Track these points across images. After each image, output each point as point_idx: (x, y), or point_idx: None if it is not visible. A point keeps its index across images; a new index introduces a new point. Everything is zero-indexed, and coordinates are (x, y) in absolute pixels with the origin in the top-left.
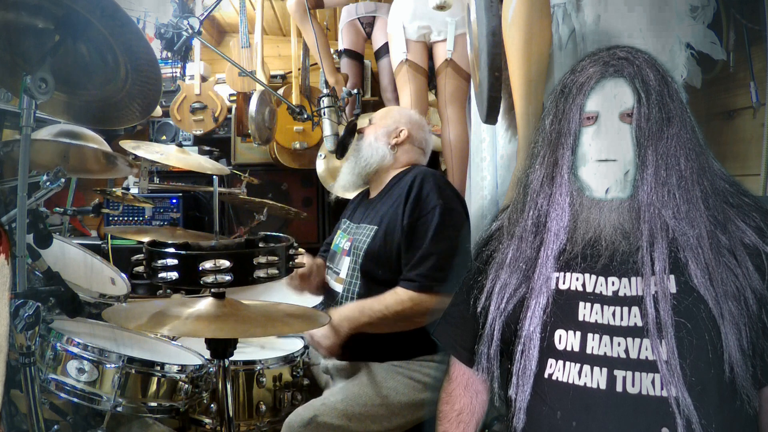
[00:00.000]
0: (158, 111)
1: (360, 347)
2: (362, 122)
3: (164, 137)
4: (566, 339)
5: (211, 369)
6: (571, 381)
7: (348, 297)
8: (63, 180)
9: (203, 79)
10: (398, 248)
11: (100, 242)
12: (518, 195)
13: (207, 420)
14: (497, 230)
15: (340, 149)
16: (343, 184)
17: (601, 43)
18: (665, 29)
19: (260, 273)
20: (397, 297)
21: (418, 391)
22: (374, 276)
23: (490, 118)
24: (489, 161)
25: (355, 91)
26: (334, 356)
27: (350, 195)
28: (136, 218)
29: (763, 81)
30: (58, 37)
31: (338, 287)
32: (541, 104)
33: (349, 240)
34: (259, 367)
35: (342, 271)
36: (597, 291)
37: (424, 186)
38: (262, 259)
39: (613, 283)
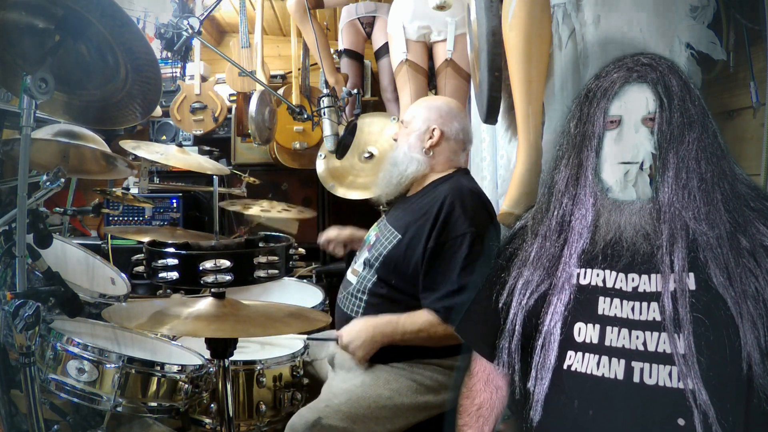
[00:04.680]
0: (158, 111)
1: None
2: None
3: (164, 137)
4: (585, 331)
5: (211, 369)
6: (589, 371)
7: (359, 290)
8: (63, 180)
9: (203, 79)
10: (416, 264)
11: (100, 242)
12: (542, 195)
13: (207, 420)
14: (520, 229)
15: (340, 149)
16: (380, 193)
17: (601, 44)
18: (665, 29)
19: (260, 273)
20: (431, 321)
21: (420, 393)
22: (387, 280)
23: (490, 118)
24: (489, 161)
25: (355, 91)
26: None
27: (352, 195)
28: (136, 218)
29: (763, 81)
30: (58, 37)
31: (353, 279)
32: (541, 104)
33: (376, 235)
34: (259, 367)
35: (358, 264)
36: (617, 287)
37: (455, 209)
38: (263, 259)
39: (633, 280)
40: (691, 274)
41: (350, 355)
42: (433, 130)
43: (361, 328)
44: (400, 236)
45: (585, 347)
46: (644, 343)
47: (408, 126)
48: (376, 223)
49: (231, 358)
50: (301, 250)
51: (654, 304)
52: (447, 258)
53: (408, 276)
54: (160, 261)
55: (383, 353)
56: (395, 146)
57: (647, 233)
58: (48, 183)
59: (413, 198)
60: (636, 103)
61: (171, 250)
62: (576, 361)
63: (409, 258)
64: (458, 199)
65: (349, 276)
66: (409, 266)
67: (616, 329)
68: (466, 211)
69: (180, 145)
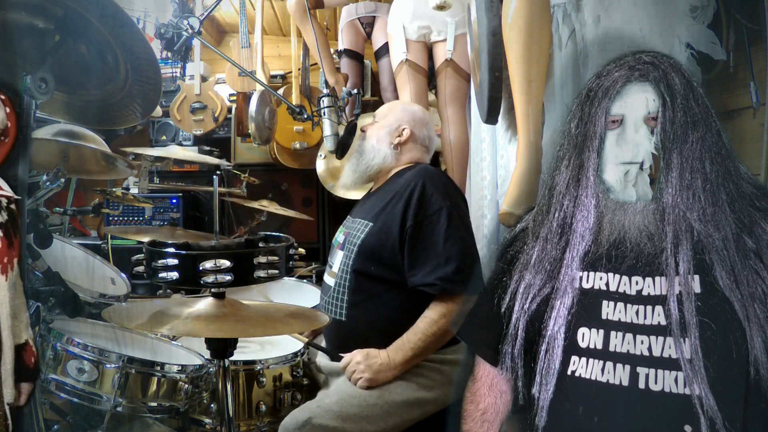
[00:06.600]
0: (158, 111)
1: (354, 348)
2: (365, 120)
3: (164, 137)
4: (589, 337)
5: (211, 369)
6: (593, 377)
7: (340, 291)
8: (63, 180)
9: (203, 79)
10: (393, 246)
11: (100, 242)
12: (543, 197)
13: (207, 420)
14: (521, 231)
15: (340, 149)
16: (344, 184)
17: (601, 44)
18: (665, 29)
19: (260, 273)
20: (437, 308)
21: (412, 390)
22: (366, 271)
23: (491, 118)
24: (489, 161)
25: (355, 91)
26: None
27: (352, 195)
28: (136, 218)
29: (763, 81)
30: (58, 37)
31: (331, 281)
32: (541, 104)
33: (344, 234)
34: (259, 367)
35: (335, 265)
36: (621, 290)
37: (426, 187)
38: (263, 259)
39: (636, 283)
40: (697, 277)
41: (354, 380)
42: (404, 129)
43: (374, 353)
44: (371, 224)
45: (589, 353)
46: (649, 348)
47: (380, 121)
48: (341, 226)
49: (231, 358)
50: (301, 250)
51: (659, 308)
52: (428, 234)
53: (387, 261)
54: (160, 261)
55: None
56: (363, 137)
57: (651, 234)
58: (48, 183)
59: (377, 192)
60: (638, 102)
61: (171, 250)
62: (580, 367)
63: (384, 241)
64: (428, 179)
65: (327, 280)
66: (386, 249)
67: (620, 334)
68: (437, 188)
69: (180, 146)
